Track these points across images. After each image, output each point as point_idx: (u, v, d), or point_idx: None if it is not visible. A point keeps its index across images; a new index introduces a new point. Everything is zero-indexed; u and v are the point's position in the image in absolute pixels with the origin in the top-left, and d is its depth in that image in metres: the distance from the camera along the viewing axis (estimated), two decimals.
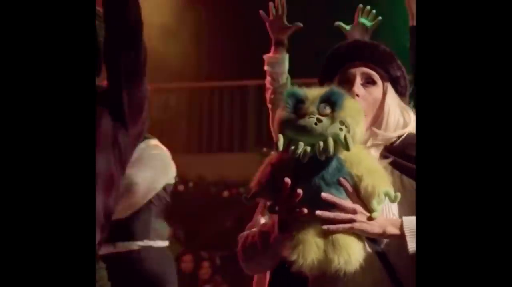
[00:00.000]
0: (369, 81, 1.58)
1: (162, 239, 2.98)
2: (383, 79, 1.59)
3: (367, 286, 1.44)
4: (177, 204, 3.24)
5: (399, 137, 1.57)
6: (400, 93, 1.62)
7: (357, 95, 1.54)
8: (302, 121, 1.37)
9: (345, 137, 1.35)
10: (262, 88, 9.08)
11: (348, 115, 1.39)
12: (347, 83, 1.57)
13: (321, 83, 1.65)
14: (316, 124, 1.36)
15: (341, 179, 1.40)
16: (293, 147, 1.36)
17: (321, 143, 1.35)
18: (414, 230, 1.39)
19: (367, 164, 1.43)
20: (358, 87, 1.56)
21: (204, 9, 8.19)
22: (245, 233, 1.60)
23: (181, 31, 7.77)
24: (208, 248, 7.21)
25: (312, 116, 1.37)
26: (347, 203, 1.40)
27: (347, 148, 1.35)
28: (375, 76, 1.59)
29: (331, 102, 1.39)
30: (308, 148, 1.35)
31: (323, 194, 1.37)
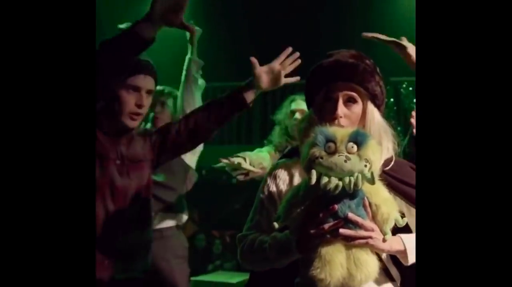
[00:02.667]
0: (350, 101, 1.58)
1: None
2: (363, 97, 1.59)
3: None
4: (192, 189, 3.26)
5: (386, 161, 1.60)
6: (377, 106, 1.62)
7: (341, 117, 1.55)
8: (334, 159, 1.39)
9: (371, 173, 1.38)
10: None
11: (370, 153, 1.41)
12: (330, 102, 1.58)
13: (307, 98, 1.68)
14: (346, 161, 1.38)
15: (366, 203, 1.44)
16: (325, 182, 1.38)
17: (351, 179, 1.37)
18: (412, 245, 1.48)
19: (383, 194, 1.47)
20: (341, 108, 1.56)
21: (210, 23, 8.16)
22: (249, 237, 1.62)
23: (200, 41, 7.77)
24: (219, 227, 7.25)
25: (341, 154, 1.40)
26: (367, 223, 1.43)
27: (373, 182, 1.39)
28: (355, 96, 1.58)
29: (357, 142, 1.41)
30: (340, 183, 1.38)
31: (349, 214, 1.41)
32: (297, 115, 3.41)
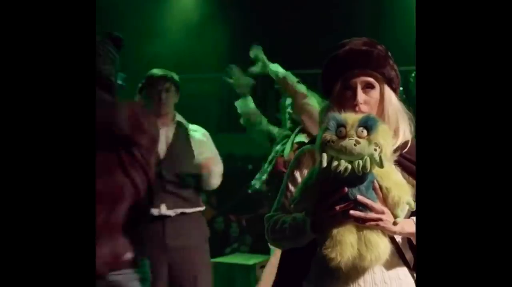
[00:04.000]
0: (368, 86, 1.58)
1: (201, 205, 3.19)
2: (380, 82, 1.59)
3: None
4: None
5: (403, 144, 1.59)
6: (393, 89, 1.62)
7: (361, 103, 1.55)
8: (344, 143, 1.39)
9: (380, 157, 1.37)
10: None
11: (380, 138, 1.41)
12: (349, 90, 1.58)
13: (324, 89, 1.67)
14: (355, 145, 1.38)
15: (376, 186, 1.43)
16: (335, 164, 1.39)
17: (360, 162, 1.37)
18: None
19: (394, 178, 1.46)
20: (360, 95, 1.56)
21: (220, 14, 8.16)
22: (274, 217, 1.64)
23: (208, 33, 7.79)
24: (236, 211, 7.28)
25: (351, 138, 1.39)
26: (378, 205, 1.43)
27: (381, 166, 1.37)
28: (373, 81, 1.58)
29: (367, 126, 1.41)
30: (349, 166, 1.37)
31: (359, 197, 1.40)
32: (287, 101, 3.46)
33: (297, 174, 1.64)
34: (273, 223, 1.62)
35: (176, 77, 3.17)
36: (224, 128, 8.21)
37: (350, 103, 1.55)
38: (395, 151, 1.54)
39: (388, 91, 1.60)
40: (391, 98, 1.60)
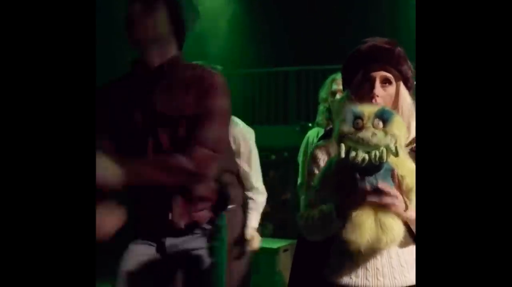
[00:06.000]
0: (386, 82, 1.60)
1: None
2: (397, 79, 1.61)
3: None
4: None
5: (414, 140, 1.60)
6: (408, 88, 1.64)
7: (377, 96, 1.57)
8: (361, 134, 1.41)
9: (395, 147, 1.39)
10: (299, 73, 8.98)
11: (395, 129, 1.42)
12: (368, 82, 1.60)
13: (345, 80, 1.69)
14: (372, 136, 1.40)
15: (394, 173, 1.45)
16: (353, 155, 1.41)
17: (377, 152, 1.39)
18: None
19: (409, 166, 1.47)
20: (378, 89, 1.58)
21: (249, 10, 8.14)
22: (305, 215, 1.64)
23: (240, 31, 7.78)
24: None
25: (368, 130, 1.41)
26: (392, 190, 1.45)
27: (396, 155, 1.40)
28: (391, 77, 1.61)
29: (383, 118, 1.43)
30: (367, 156, 1.39)
31: (379, 184, 1.43)
32: (338, 96, 3.34)
33: (316, 171, 1.66)
34: (305, 220, 1.64)
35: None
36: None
37: (368, 95, 1.58)
38: (407, 145, 1.56)
39: (403, 89, 1.62)
40: (406, 96, 1.62)
